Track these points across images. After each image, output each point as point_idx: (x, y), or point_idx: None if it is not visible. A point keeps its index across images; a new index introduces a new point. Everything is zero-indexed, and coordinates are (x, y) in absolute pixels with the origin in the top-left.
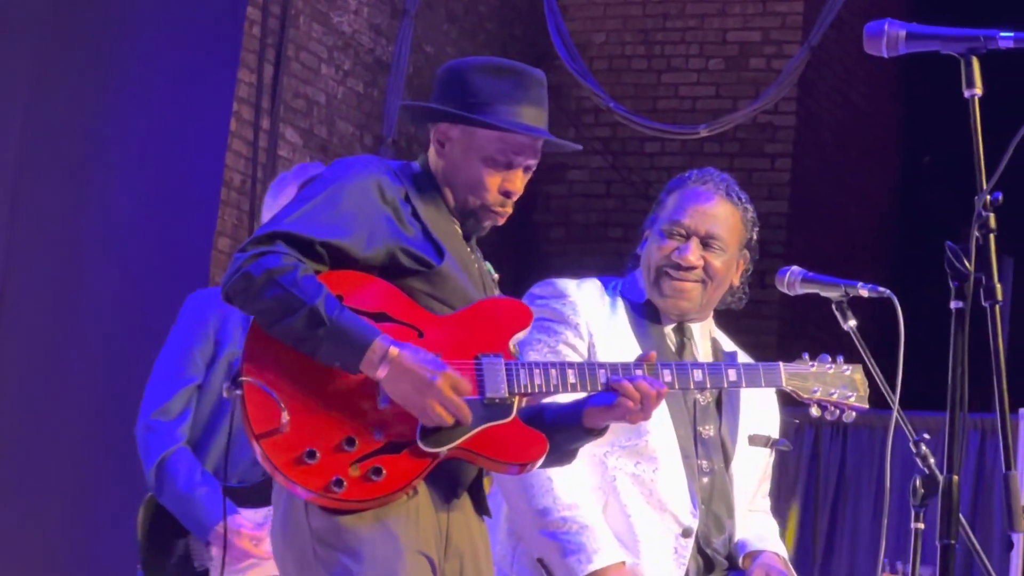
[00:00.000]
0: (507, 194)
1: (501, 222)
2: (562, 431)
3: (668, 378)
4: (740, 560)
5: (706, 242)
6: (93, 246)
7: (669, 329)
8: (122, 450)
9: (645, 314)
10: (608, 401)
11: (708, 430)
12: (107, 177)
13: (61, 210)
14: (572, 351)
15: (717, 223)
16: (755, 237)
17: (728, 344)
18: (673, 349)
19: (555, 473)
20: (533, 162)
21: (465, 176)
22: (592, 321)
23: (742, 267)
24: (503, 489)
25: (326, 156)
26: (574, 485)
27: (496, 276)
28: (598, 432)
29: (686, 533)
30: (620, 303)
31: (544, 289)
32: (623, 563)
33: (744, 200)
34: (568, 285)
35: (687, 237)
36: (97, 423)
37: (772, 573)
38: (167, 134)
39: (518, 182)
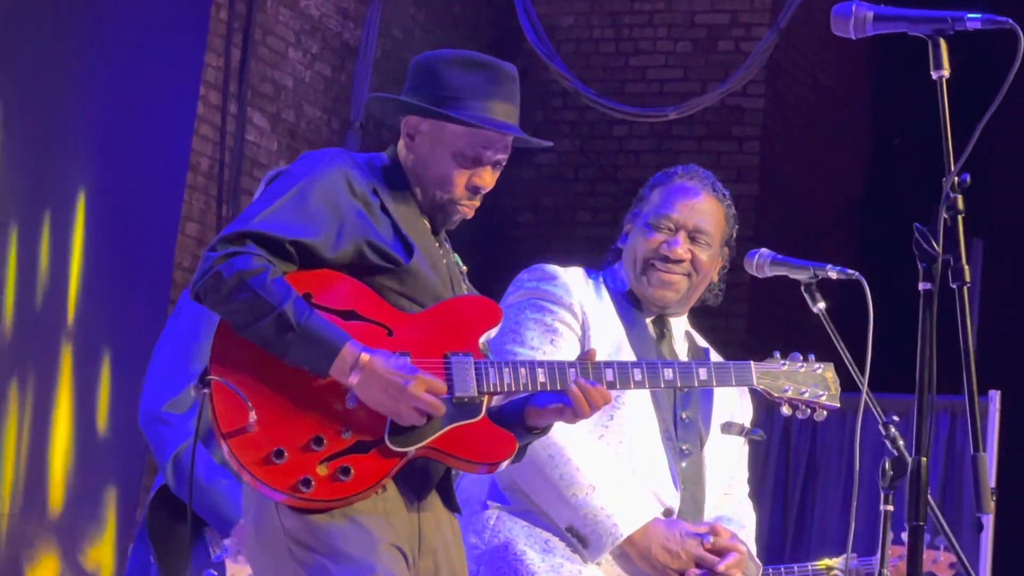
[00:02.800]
0: (475, 189)
1: (469, 215)
2: (507, 429)
3: (639, 377)
4: None
5: (693, 236)
6: (58, 231)
7: (649, 321)
8: (91, 431)
9: (628, 303)
10: (549, 402)
11: (689, 414)
12: (74, 161)
13: (28, 194)
14: (568, 329)
15: (704, 218)
16: (734, 234)
17: (702, 341)
18: (654, 338)
19: (568, 441)
20: (503, 157)
21: (434, 170)
22: (584, 302)
23: (720, 263)
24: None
25: (294, 141)
26: (589, 450)
27: (464, 268)
28: (540, 431)
29: (667, 513)
30: (604, 290)
31: (533, 273)
32: (655, 519)
33: (727, 197)
34: (556, 269)
35: (675, 231)
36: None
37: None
38: (134, 118)
39: (487, 177)
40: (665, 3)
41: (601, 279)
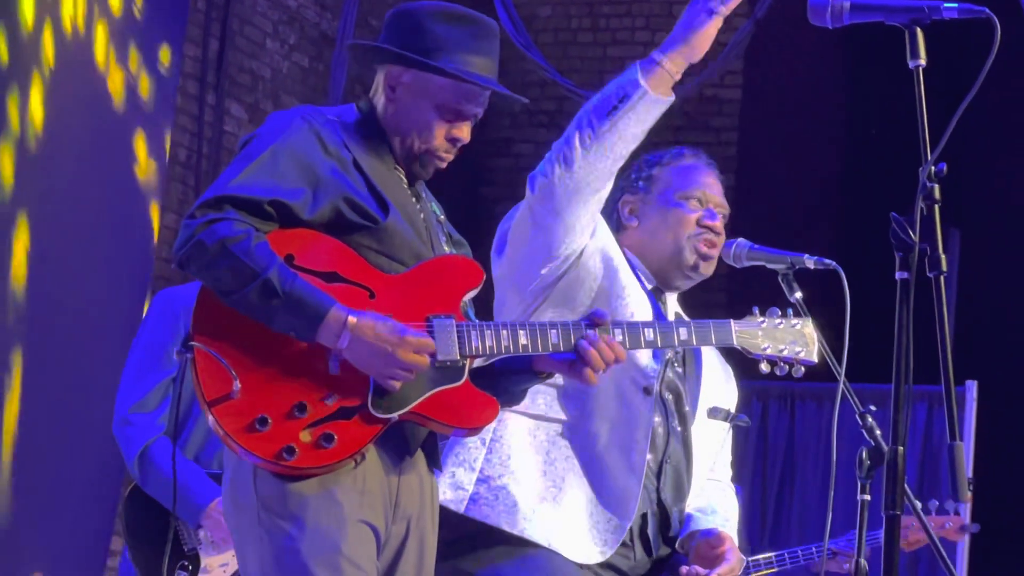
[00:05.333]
0: (454, 141)
1: (443, 166)
2: (512, 373)
3: (620, 337)
4: (679, 542)
5: (718, 212)
6: (36, 222)
7: (649, 288)
8: (59, 433)
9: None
10: (563, 356)
11: (674, 396)
12: (51, 152)
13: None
14: None
15: (721, 193)
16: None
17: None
18: (650, 309)
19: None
20: (480, 111)
21: (414, 121)
22: None
23: None
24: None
25: None
26: None
27: (442, 217)
28: (547, 375)
29: (647, 391)
30: None
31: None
32: None
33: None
34: None
35: (704, 204)
36: (39, 399)
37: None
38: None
39: (465, 130)
40: None
41: None
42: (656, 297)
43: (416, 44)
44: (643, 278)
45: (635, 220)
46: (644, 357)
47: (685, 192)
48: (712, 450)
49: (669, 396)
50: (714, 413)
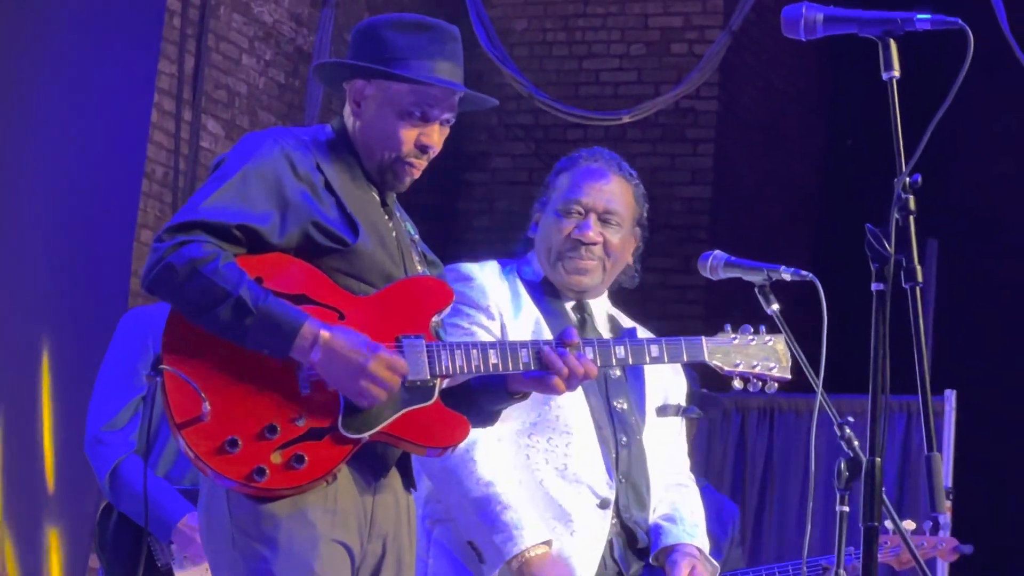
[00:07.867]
0: (423, 148)
1: (417, 175)
2: (486, 393)
3: (591, 355)
4: (652, 557)
5: (604, 218)
6: (13, 240)
7: (569, 307)
8: (31, 442)
9: (545, 292)
10: (534, 373)
11: (622, 403)
12: (27, 170)
13: None
14: (486, 333)
15: (614, 199)
16: (646, 213)
17: (626, 321)
18: (576, 324)
19: (478, 453)
20: (449, 116)
21: (380, 131)
22: (500, 302)
23: (633, 245)
24: (427, 472)
25: None
26: (497, 465)
27: (416, 237)
28: (522, 395)
29: (603, 504)
30: (519, 284)
31: (449, 275)
32: (549, 541)
33: (635, 176)
34: (471, 268)
35: (585, 214)
36: (15, 412)
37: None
38: (88, 126)
39: (435, 136)
40: (618, 6)
41: (516, 272)
42: (582, 311)
43: (375, 55)
44: (563, 297)
45: (536, 230)
46: (599, 473)
47: (564, 203)
48: (668, 447)
49: (618, 405)
50: (663, 411)
